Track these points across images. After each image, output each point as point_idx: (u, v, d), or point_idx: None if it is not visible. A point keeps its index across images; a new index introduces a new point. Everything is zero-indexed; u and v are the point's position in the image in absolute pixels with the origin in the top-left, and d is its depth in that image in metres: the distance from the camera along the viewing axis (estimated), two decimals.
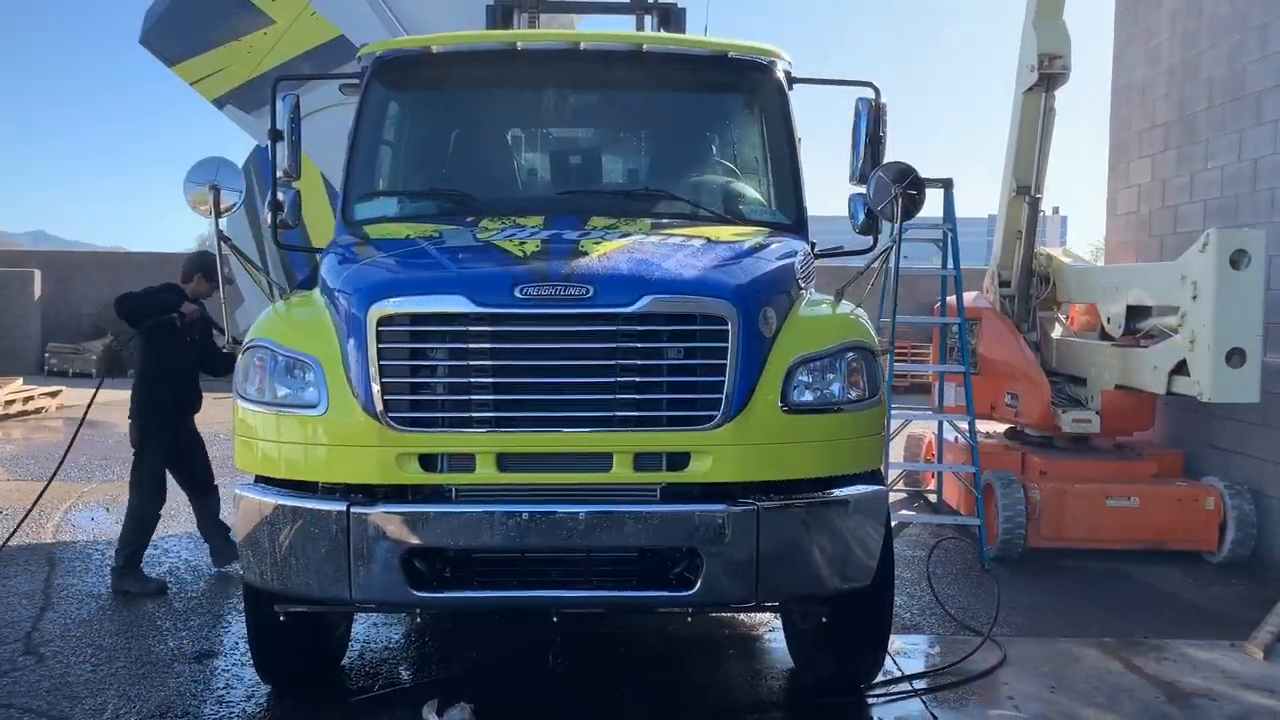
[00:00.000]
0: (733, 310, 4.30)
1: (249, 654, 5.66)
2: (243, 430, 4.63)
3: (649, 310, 4.26)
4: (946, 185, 8.33)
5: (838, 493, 4.48)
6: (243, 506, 4.49)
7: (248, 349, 4.67)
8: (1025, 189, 9.05)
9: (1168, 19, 9.53)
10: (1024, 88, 8.91)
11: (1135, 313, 7.99)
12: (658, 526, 4.22)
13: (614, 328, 4.27)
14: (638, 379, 4.27)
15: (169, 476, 7.37)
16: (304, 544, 4.31)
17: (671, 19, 7.42)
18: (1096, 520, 7.83)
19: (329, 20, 7.68)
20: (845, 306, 5.02)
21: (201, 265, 7.23)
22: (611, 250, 4.58)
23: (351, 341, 4.36)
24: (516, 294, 4.25)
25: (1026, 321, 9.25)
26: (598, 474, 4.30)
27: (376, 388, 4.26)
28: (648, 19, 7.49)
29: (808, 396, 4.45)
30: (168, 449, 7.24)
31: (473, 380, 4.27)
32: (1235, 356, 6.80)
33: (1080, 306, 9.40)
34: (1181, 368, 7.20)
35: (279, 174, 5.80)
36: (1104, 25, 10.65)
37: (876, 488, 4.63)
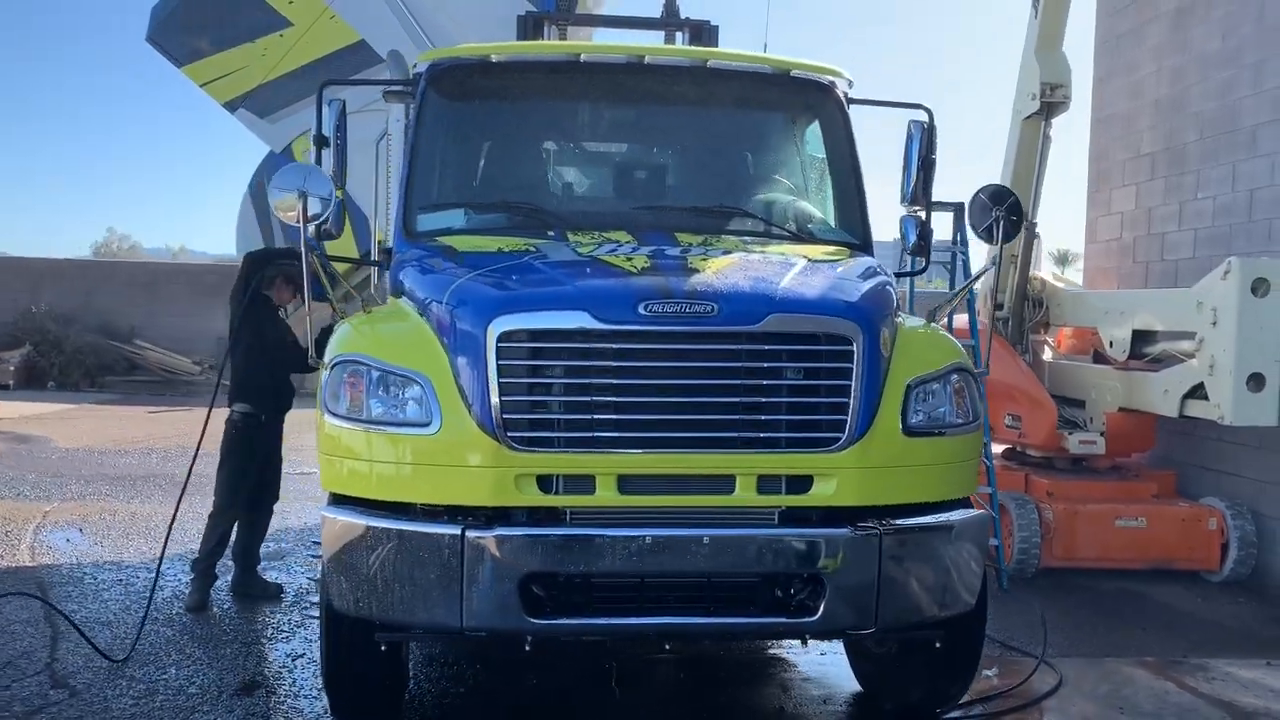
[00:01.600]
0: (857, 330, 4.25)
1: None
2: (332, 449, 4.41)
3: (774, 329, 4.18)
4: (957, 210, 8.43)
5: (948, 517, 4.46)
6: (336, 530, 4.27)
7: (336, 364, 4.45)
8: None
9: (1151, 54, 9.83)
10: (1024, 115, 9.11)
11: (1140, 337, 8.18)
12: (784, 551, 4.14)
13: (738, 346, 4.19)
14: (762, 399, 4.20)
15: None
16: (411, 569, 4.12)
17: (703, 35, 7.37)
18: (1107, 540, 7.98)
19: (349, 24, 7.44)
20: (934, 328, 5.02)
21: (283, 271, 6.95)
22: (724, 267, 4.50)
23: (466, 358, 4.18)
24: (640, 310, 4.13)
25: (1020, 344, 9.42)
26: (719, 497, 4.20)
27: (495, 406, 4.09)
28: (679, 35, 7.43)
29: (923, 419, 4.42)
30: (258, 446, 6.93)
31: (595, 399, 4.14)
32: (1254, 381, 7.00)
33: (1068, 330, 9.62)
34: (1195, 391, 7.38)
35: None
36: (1080, 58, 10.95)
37: (981, 512, 4.62)
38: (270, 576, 7.35)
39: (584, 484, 4.15)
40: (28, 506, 9.78)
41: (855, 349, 4.23)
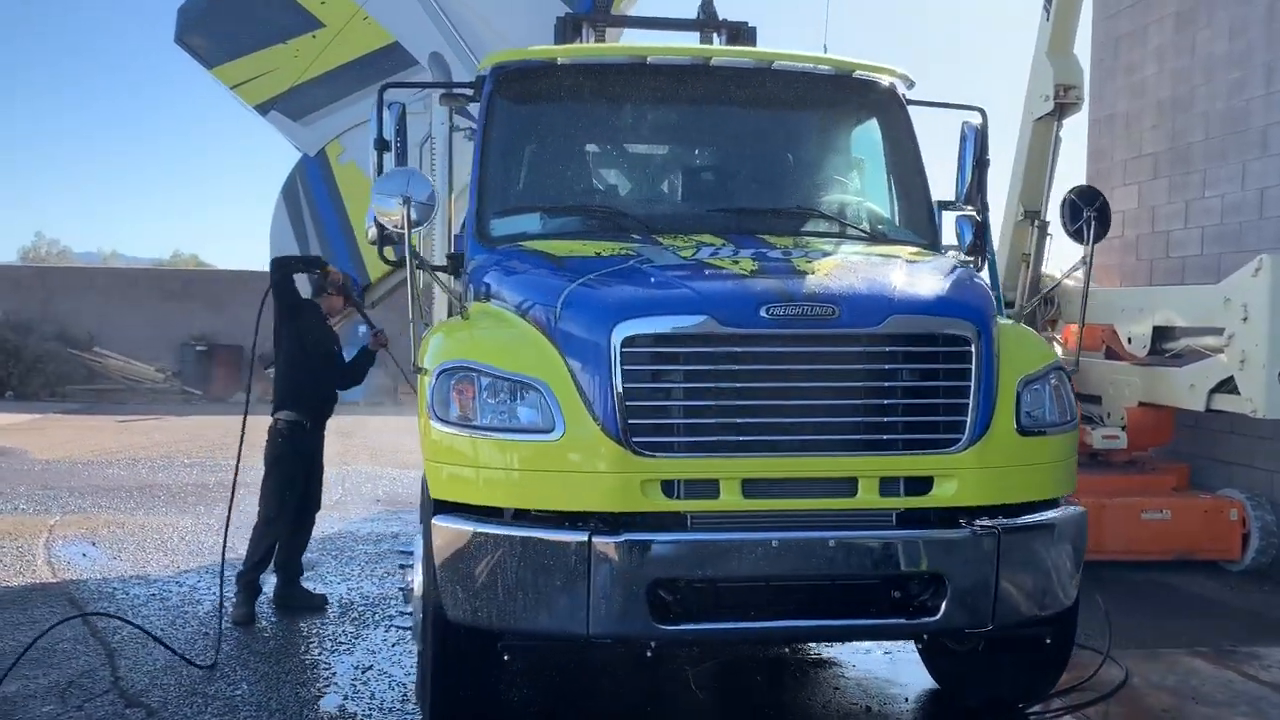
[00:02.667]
0: (975, 330, 4.28)
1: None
2: (444, 457, 4.35)
3: (895, 330, 4.20)
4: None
5: (1052, 515, 4.52)
6: (452, 538, 4.21)
7: (444, 371, 4.38)
8: (1033, 213, 9.41)
9: (1154, 55, 10.04)
10: (1036, 115, 9.25)
11: (1160, 333, 8.34)
12: (910, 552, 4.15)
13: (860, 349, 4.20)
14: (884, 401, 4.21)
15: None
16: (535, 576, 4.06)
17: (741, 37, 7.37)
18: (1133, 532, 8.13)
19: (383, 26, 7.32)
20: (1023, 327, 5.08)
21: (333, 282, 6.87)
22: (833, 269, 4.51)
23: (587, 363, 4.14)
24: (763, 314, 4.12)
25: None
26: (842, 499, 4.20)
27: (620, 411, 4.05)
28: (715, 37, 7.42)
29: (1033, 418, 4.47)
30: (302, 457, 6.84)
31: (718, 403, 4.12)
32: None
33: (1073, 327, 9.79)
34: (1222, 385, 7.55)
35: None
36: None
37: (1079, 509, 4.68)
38: (309, 587, 7.22)
39: (708, 488, 4.13)
40: (31, 521, 9.52)
41: (973, 349, 4.26)
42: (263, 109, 7.41)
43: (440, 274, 5.71)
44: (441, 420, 4.34)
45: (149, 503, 10.60)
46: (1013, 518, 4.35)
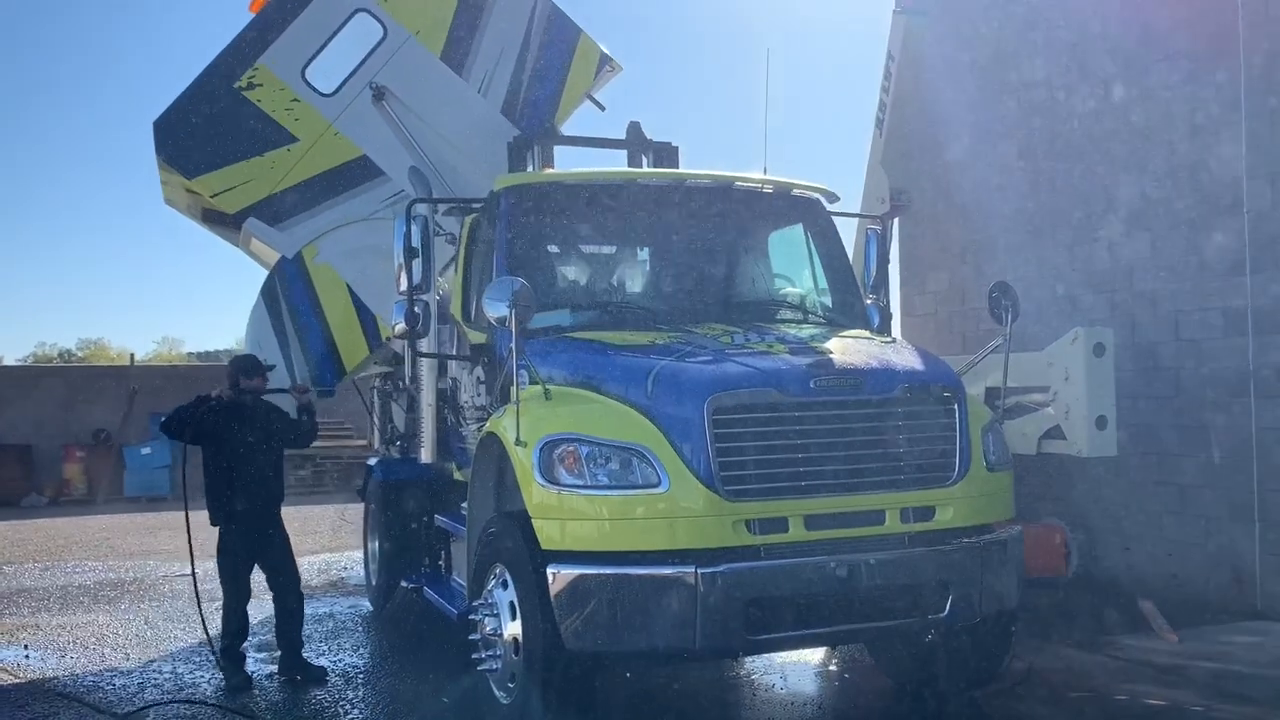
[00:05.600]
0: (958, 391, 5.66)
1: None
2: (555, 513, 5.24)
3: (905, 395, 5.51)
4: None
5: (1009, 531, 5.92)
6: (572, 581, 5.11)
7: (547, 443, 5.29)
8: None
9: (955, 166, 12.14)
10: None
11: (991, 392, 10.15)
12: (925, 564, 5.42)
13: (883, 410, 5.47)
14: (901, 450, 5.49)
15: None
16: (651, 604, 5.03)
17: (665, 158, 8.62)
18: None
19: (352, 141, 8.09)
20: None
21: (239, 367, 7.34)
22: (844, 349, 5.77)
23: (683, 428, 5.18)
24: (811, 385, 5.33)
25: None
26: (875, 527, 5.43)
27: (715, 466, 5.12)
28: (643, 158, 8.61)
29: (994, 458, 5.88)
30: (248, 544, 7.24)
31: (786, 456, 5.27)
32: (1100, 422, 9.06)
33: None
34: (1051, 433, 9.38)
35: (410, 288, 6.43)
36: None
37: (1019, 528, 6.10)
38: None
39: (779, 524, 5.25)
40: None
41: (957, 407, 5.63)
42: (240, 216, 7.96)
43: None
44: (551, 483, 5.24)
45: (47, 604, 10.41)
46: (986, 535, 5.71)
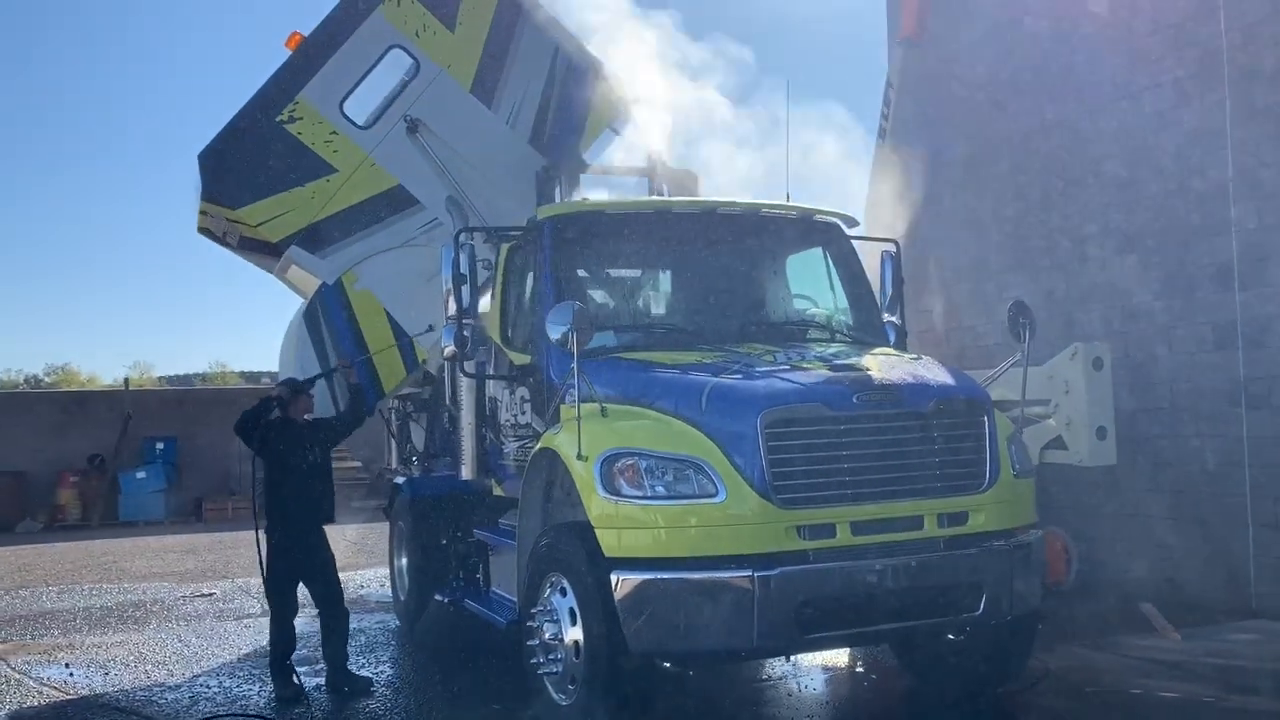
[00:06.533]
0: (987, 404, 6.06)
1: None
2: (616, 523, 5.57)
3: (940, 409, 5.90)
4: None
5: (1033, 534, 6.31)
6: (636, 586, 5.45)
7: (608, 458, 5.65)
8: None
9: (951, 186, 12.62)
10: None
11: (998, 405, 10.58)
12: (961, 566, 5.81)
13: (919, 423, 5.86)
14: (936, 459, 5.88)
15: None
16: (711, 606, 5.38)
17: (684, 184, 9.01)
18: None
19: (387, 171, 8.43)
20: None
21: (295, 387, 7.63)
22: (880, 365, 6.16)
23: (738, 441, 5.55)
24: (854, 400, 5.71)
25: None
26: (914, 532, 5.81)
27: (769, 476, 5.48)
28: (663, 185, 9.01)
29: (1019, 465, 6.27)
30: (291, 562, 7.52)
31: (833, 466, 5.64)
32: (1100, 432, 9.51)
33: None
34: (1052, 444, 9.81)
35: (459, 312, 6.80)
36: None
37: (1041, 532, 6.49)
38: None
39: (828, 530, 5.61)
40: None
41: (987, 418, 6.03)
42: (283, 244, 8.27)
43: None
44: (613, 494, 5.59)
45: (73, 626, 10.58)
46: (1014, 538, 6.10)
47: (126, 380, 24.43)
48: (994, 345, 11.96)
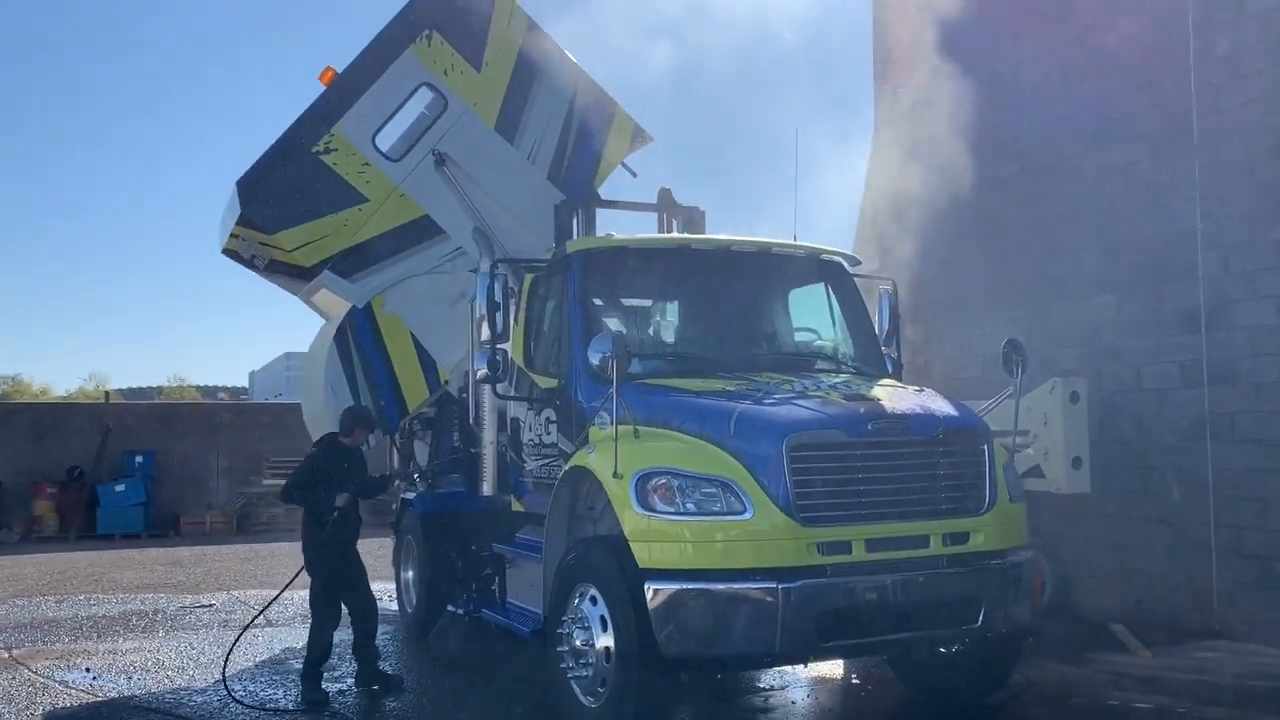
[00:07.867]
0: (988, 432, 6.61)
1: None
2: (651, 537, 6.04)
3: (945, 436, 6.44)
4: None
5: (1026, 554, 6.86)
6: (671, 595, 5.92)
7: (642, 476, 6.13)
8: None
9: (934, 220, 13.25)
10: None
11: None
12: (963, 582, 6.33)
13: (928, 449, 6.39)
14: (942, 483, 6.41)
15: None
16: (740, 615, 5.86)
17: (693, 221, 9.55)
18: None
19: (416, 201, 8.90)
20: None
21: (359, 419, 8.02)
22: (888, 396, 6.71)
23: (764, 463, 6.04)
24: (869, 427, 6.24)
25: None
26: (922, 550, 6.32)
27: (793, 496, 5.99)
28: (674, 221, 9.54)
29: (1013, 489, 6.83)
30: (342, 574, 7.96)
31: (849, 488, 6.16)
32: (1075, 462, 10.12)
33: None
34: (1030, 472, 10.41)
35: (493, 337, 7.27)
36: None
37: (1033, 551, 7.04)
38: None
39: (845, 547, 6.12)
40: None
41: (987, 447, 6.58)
42: (317, 268, 8.69)
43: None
44: (648, 510, 6.06)
45: (82, 634, 10.83)
46: (1009, 557, 6.64)
47: (107, 394, 24.45)
48: (974, 378, 12.59)
